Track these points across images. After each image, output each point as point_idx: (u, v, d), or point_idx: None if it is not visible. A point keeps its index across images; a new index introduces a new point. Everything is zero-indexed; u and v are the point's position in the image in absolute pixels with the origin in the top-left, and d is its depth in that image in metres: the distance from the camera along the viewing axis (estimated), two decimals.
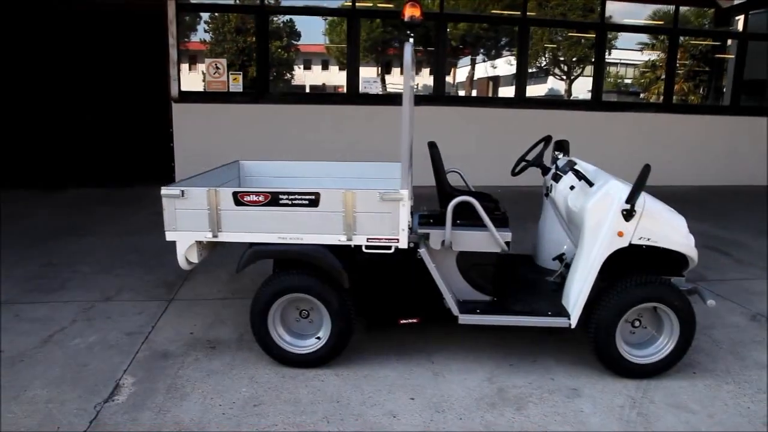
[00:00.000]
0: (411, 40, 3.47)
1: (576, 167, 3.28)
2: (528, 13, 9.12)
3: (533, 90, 12.85)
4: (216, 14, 11.28)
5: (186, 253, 3.11)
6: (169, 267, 4.55)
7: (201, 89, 8.79)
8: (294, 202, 2.98)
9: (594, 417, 2.76)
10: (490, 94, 13.97)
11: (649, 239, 2.93)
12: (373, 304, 3.20)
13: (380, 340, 3.49)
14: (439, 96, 9.26)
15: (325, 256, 3.01)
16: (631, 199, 2.77)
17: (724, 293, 4.40)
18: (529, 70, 12.54)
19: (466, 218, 3.17)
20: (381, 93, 9.35)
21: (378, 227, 2.99)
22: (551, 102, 10.34)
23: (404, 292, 3.17)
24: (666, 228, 2.95)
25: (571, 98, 10.61)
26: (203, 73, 8.79)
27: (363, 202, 2.96)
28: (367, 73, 10.59)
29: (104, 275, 4.56)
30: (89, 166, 8.43)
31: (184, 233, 3.06)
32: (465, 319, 3.11)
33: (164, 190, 3.01)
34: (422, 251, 3.06)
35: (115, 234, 5.74)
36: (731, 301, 4.27)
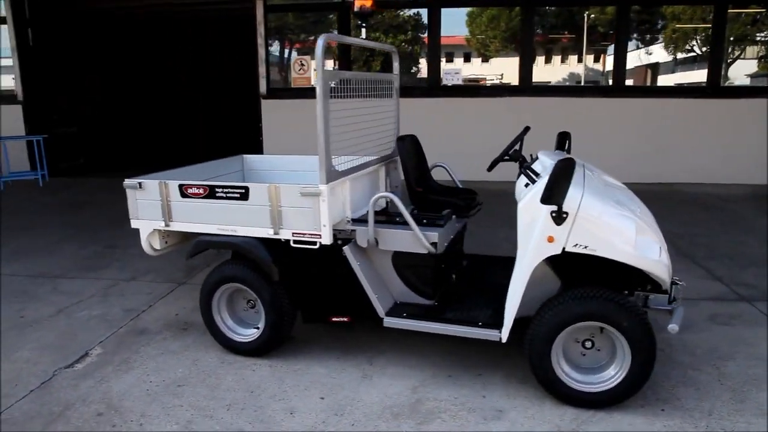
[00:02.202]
0: (363, 30, 3.37)
1: (533, 164, 2.93)
2: None
3: (688, 77, 11.43)
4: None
5: (149, 239, 3.39)
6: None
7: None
8: (228, 195, 3.09)
9: None
10: (648, 83, 12.72)
11: (586, 246, 2.50)
12: (305, 299, 3.19)
13: (335, 336, 3.47)
14: (525, 87, 8.69)
15: (256, 249, 3.08)
16: (547, 199, 2.39)
17: None
18: (680, 55, 11.25)
19: (431, 216, 3.02)
20: (462, 84, 9.04)
21: (302, 222, 2.97)
22: (658, 90, 9.10)
23: (334, 289, 3.11)
24: (607, 234, 2.49)
25: (686, 85, 9.18)
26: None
27: (286, 197, 2.97)
28: (508, 65, 10.26)
29: (146, 258, 5.11)
30: (188, 159, 9.48)
31: (144, 221, 3.34)
32: (390, 322, 2.96)
33: (126, 182, 3.31)
34: (347, 248, 2.97)
35: None
36: None
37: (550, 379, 2.67)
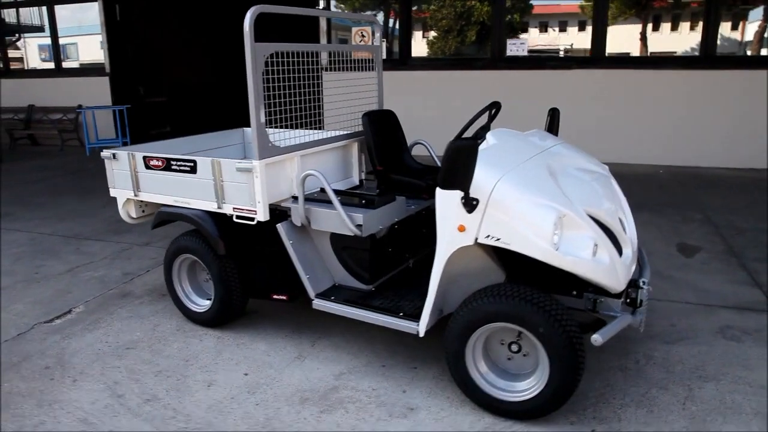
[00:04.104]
0: (321, 1, 3.20)
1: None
2: None
3: None
4: None
5: (126, 207, 3.56)
6: None
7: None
8: (181, 168, 3.14)
9: None
10: None
11: (499, 239, 2.22)
12: (247, 275, 3.17)
13: (293, 313, 3.44)
14: (597, 58, 7.91)
15: (205, 222, 3.11)
16: (443, 184, 2.12)
17: None
18: None
19: (369, 196, 2.87)
20: (527, 56, 8.39)
21: (240, 198, 2.94)
22: (758, 60, 7.73)
23: (272, 266, 3.06)
24: (522, 226, 2.17)
25: None
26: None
27: (226, 172, 2.95)
28: (629, 32, 9.49)
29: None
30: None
31: (120, 191, 3.49)
32: (318, 304, 2.87)
33: (103, 153, 3.48)
34: (280, 226, 2.90)
35: None
36: None
37: (465, 381, 2.43)
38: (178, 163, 3.13)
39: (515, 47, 8.51)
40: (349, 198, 2.89)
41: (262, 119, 2.80)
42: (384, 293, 2.88)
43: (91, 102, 9.90)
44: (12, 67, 11.68)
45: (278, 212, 3.00)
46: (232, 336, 3.23)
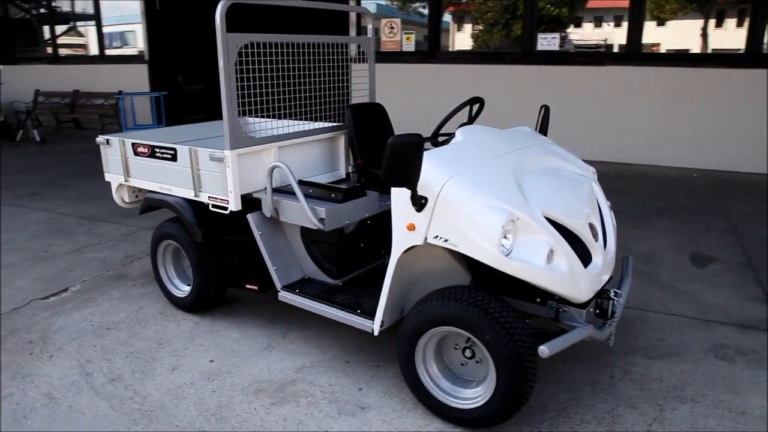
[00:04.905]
0: None
1: (447, 139, 2.56)
2: None
3: None
4: None
5: (119, 192, 3.66)
6: None
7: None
8: (163, 155, 3.19)
9: None
10: None
11: (447, 240, 2.13)
12: (222, 263, 3.18)
13: (277, 304, 3.44)
14: (632, 54, 7.55)
15: (184, 210, 3.15)
16: (386, 179, 2.05)
17: None
18: None
19: (338, 190, 2.84)
20: (559, 50, 8.08)
21: (215, 186, 2.96)
22: None
23: (244, 256, 3.06)
24: (468, 227, 2.08)
25: None
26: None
27: (202, 161, 2.97)
28: (689, 27, 9.10)
29: None
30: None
31: (113, 176, 3.59)
32: (283, 296, 2.86)
33: (98, 139, 3.58)
34: (250, 216, 2.90)
35: None
36: None
37: (415, 385, 2.37)
38: (161, 150, 3.18)
39: (546, 42, 8.23)
40: (322, 191, 2.86)
41: (234, 109, 2.80)
42: (349, 289, 2.84)
43: (133, 88, 10.26)
44: (75, 53, 12.24)
45: (256, 203, 3.00)
46: (209, 322, 3.27)
